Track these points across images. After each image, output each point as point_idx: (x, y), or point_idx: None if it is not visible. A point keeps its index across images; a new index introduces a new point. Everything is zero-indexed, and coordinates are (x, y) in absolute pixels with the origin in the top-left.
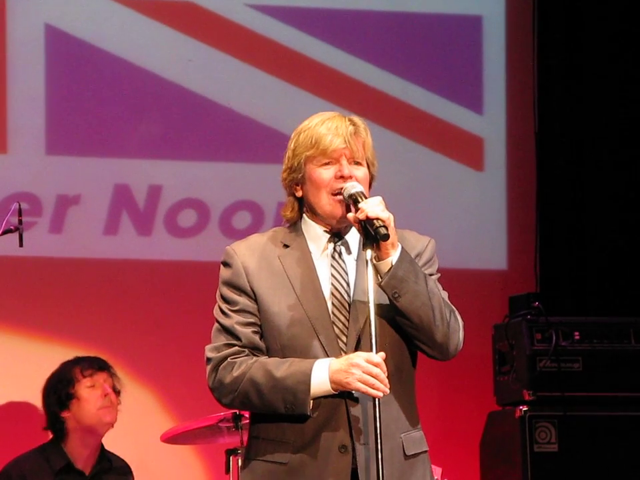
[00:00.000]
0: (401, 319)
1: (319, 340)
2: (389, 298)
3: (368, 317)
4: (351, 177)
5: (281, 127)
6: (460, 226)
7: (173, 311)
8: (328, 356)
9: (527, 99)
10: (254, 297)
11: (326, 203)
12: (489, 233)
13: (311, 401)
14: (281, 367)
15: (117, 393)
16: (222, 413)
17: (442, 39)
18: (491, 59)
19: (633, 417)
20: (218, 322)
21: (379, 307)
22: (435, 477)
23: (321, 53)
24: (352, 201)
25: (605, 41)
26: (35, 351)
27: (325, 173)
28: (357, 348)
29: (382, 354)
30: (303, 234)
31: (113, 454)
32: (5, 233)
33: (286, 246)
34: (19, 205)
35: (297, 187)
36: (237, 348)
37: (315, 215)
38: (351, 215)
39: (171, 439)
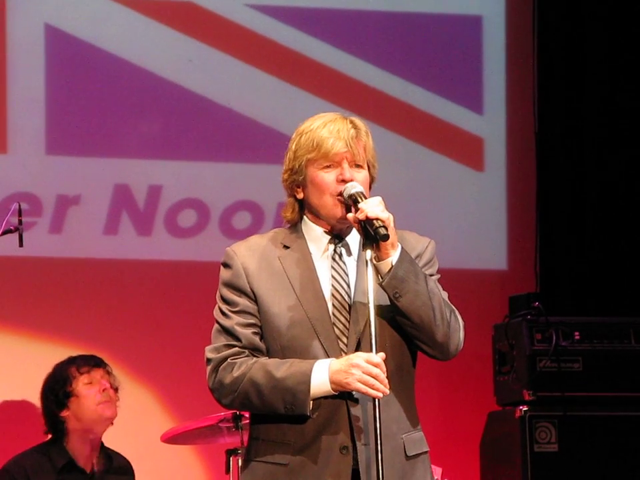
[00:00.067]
0: (401, 319)
1: (319, 341)
2: (389, 298)
3: (368, 318)
4: (352, 181)
5: (281, 127)
6: (460, 226)
7: (173, 311)
8: (328, 357)
9: (526, 98)
10: (254, 298)
11: (331, 206)
12: (489, 233)
13: (311, 402)
14: (281, 368)
15: (115, 389)
16: (222, 413)
17: (442, 39)
18: (491, 59)
19: (633, 417)
20: (218, 323)
21: (379, 307)
22: (435, 477)
23: (321, 53)
24: (352, 201)
25: (605, 40)
26: (34, 351)
27: (327, 176)
28: (358, 349)
29: (382, 354)
30: (304, 235)
31: (113, 451)
32: (5, 233)
33: (286, 247)
34: (19, 205)
35: (298, 189)
36: (237, 349)
37: (317, 217)
38: (350, 215)
39: (171, 439)
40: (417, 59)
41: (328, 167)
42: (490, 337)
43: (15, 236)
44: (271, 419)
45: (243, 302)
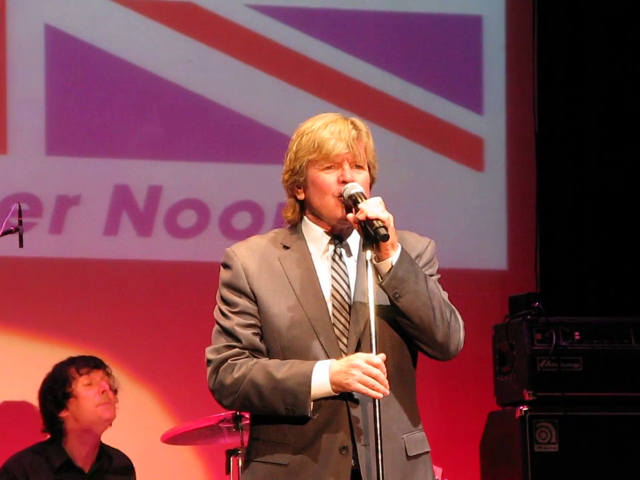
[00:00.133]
0: (401, 319)
1: (320, 341)
2: (389, 298)
3: (368, 319)
4: (352, 182)
5: (280, 128)
6: (460, 226)
7: (173, 312)
8: (328, 357)
9: (526, 99)
10: (254, 299)
11: (332, 206)
12: (489, 233)
13: (312, 403)
14: (281, 369)
15: (114, 391)
16: (222, 414)
17: (442, 39)
18: (491, 59)
19: (633, 417)
20: (218, 323)
21: (379, 307)
22: (436, 478)
23: (321, 53)
24: (352, 202)
25: (605, 40)
26: (34, 351)
27: (329, 177)
28: (358, 349)
29: (382, 355)
30: (304, 236)
31: (114, 450)
32: (5, 233)
33: (286, 247)
34: (19, 206)
35: (299, 190)
36: (237, 350)
37: (317, 217)
38: (350, 216)
39: (171, 439)
40: (417, 59)
41: (329, 167)
42: (490, 337)
43: (15, 236)
44: (271, 419)
45: (243, 302)
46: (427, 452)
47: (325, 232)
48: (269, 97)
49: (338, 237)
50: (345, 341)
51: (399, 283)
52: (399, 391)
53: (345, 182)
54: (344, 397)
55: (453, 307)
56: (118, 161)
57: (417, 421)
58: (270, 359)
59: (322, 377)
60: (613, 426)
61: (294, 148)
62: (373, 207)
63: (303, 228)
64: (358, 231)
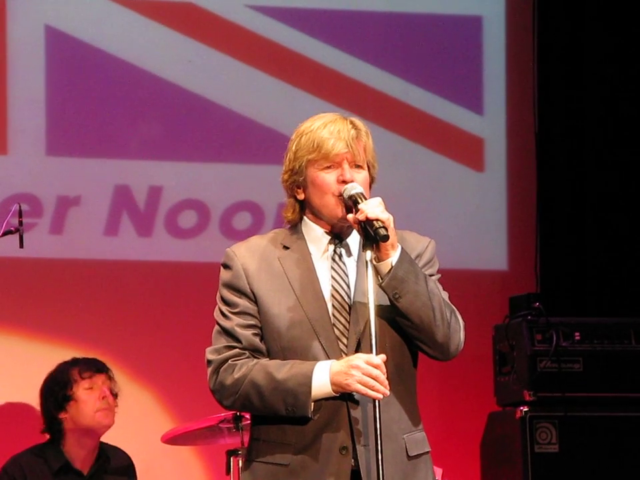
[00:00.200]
0: (401, 319)
1: (320, 342)
2: (389, 299)
3: (368, 319)
4: (352, 182)
5: (280, 128)
6: (460, 226)
7: (173, 312)
8: (328, 358)
9: (527, 99)
10: (254, 299)
11: (333, 206)
12: (489, 233)
13: (312, 403)
14: (282, 369)
15: (115, 395)
16: (222, 414)
17: (442, 39)
18: (491, 59)
19: (633, 417)
20: (218, 324)
21: (379, 308)
22: (436, 478)
23: (321, 53)
24: (352, 202)
25: (604, 40)
26: (34, 352)
27: (328, 177)
28: (358, 349)
29: (382, 356)
30: (303, 236)
31: (113, 448)
32: (5, 234)
33: (286, 247)
34: (19, 206)
35: (299, 190)
36: (237, 350)
37: (317, 217)
38: (350, 216)
39: (172, 439)
40: (417, 59)
41: (328, 167)
42: (490, 337)
43: (16, 237)
44: (271, 419)
45: (243, 303)
46: (428, 452)
47: (325, 232)
48: (268, 97)
49: (338, 237)
50: (344, 341)
51: (398, 284)
52: (399, 391)
53: (344, 181)
54: (344, 397)
55: (453, 307)
56: (118, 161)
57: (417, 421)
58: (270, 359)
59: (322, 377)
60: (613, 426)
61: (293, 148)
62: (372, 208)
63: (302, 228)
64: (358, 231)
